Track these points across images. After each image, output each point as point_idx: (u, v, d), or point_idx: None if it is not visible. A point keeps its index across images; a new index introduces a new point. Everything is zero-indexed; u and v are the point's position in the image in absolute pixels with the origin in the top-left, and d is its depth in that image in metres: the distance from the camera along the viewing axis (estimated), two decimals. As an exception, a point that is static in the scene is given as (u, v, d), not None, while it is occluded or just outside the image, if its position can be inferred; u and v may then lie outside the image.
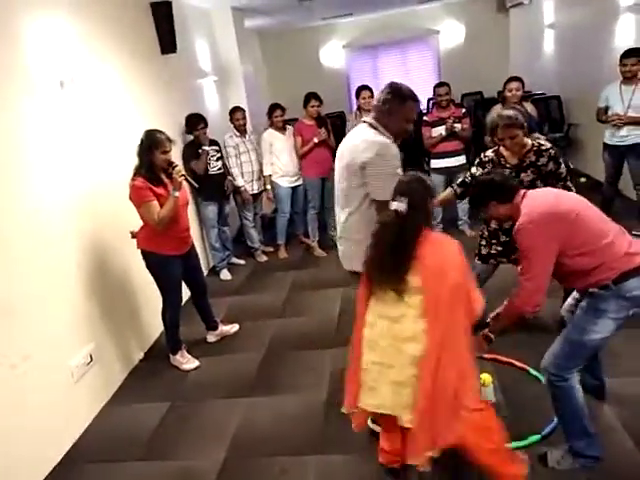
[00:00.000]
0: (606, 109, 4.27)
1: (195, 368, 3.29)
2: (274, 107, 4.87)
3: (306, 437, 2.53)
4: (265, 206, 5.35)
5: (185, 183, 3.02)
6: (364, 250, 2.07)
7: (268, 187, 4.96)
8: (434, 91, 4.83)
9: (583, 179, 6.07)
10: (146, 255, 3.10)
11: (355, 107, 4.95)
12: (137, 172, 2.91)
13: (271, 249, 5.31)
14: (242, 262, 5.03)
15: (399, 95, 2.28)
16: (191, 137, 4.47)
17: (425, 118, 4.75)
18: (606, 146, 4.40)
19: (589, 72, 5.86)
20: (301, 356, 3.27)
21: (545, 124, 5.97)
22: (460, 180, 2.95)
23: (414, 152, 5.12)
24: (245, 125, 4.89)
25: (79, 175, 3.03)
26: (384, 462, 2.17)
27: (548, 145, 2.81)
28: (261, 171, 4.94)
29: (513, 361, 2.79)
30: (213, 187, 4.50)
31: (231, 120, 4.85)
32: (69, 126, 2.99)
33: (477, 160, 2.95)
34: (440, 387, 1.75)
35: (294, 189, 4.99)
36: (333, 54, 8.83)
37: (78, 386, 2.80)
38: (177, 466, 2.46)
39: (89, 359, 2.91)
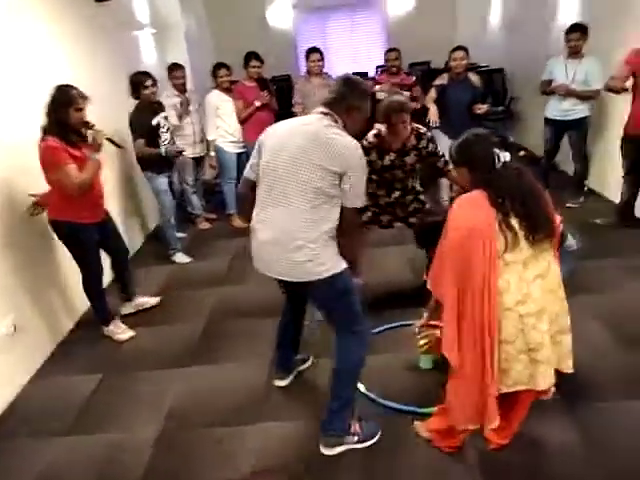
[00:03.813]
0: (550, 82, 4.35)
1: (130, 338, 3.15)
2: (219, 66, 4.58)
3: (246, 407, 2.49)
4: (208, 172, 5.13)
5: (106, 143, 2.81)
6: (324, 252, 1.95)
7: (212, 153, 4.70)
8: (385, 56, 4.75)
9: (522, 152, 6.25)
10: (58, 225, 2.85)
11: (305, 70, 4.79)
12: (48, 131, 2.63)
13: (213, 216, 5.13)
14: (184, 235, 4.69)
15: (361, 91, 2.04)
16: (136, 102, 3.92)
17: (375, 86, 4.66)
18: (547, 120, 4.51)
19: (534, 46, 5.96)
20: (244, 324, 3.20)
21: (488, 96, 6.05)
22: None
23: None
24: (185, 84, 4.62)
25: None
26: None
27: (424, 129, 3.02)
28: (203, 133, 4.71)
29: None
30: (163, 160, 4.01)
31: (170, 78, 4.56)
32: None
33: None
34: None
35: (239, 155, 4.77)
36: (281, 14, 8.50)
37: (1, 358, 2.61)
38: (109, 439, 2.36)
39: (12, 329, 2.71)
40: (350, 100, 2.02)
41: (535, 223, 1.75)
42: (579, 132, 4.36)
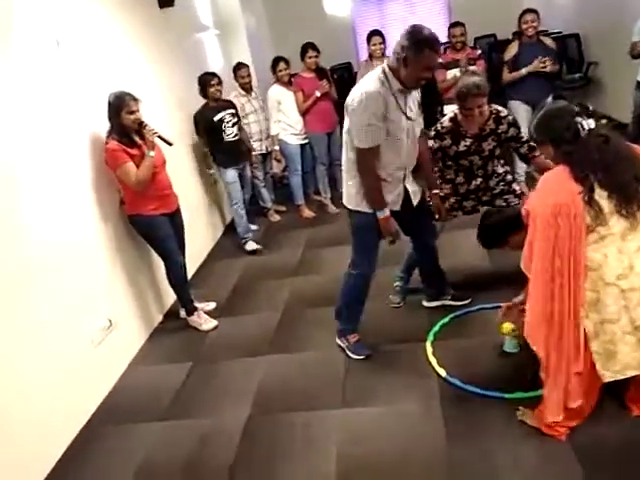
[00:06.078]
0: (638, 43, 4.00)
1: (214, 328, 3.28)
2: (277, 60, 4.63)
3: (328, 392, 2.52)
4: (275, 166, 5.22)
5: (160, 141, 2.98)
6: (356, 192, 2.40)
7: (276, 147, 4.77)
8: (448, 32, 4.59)
9: (604, 121, 5.81)
10: (133, 219, 3.06)
11: (366, 55, 4.73)
12: (109, 135, 2.86)
13: (283, 208, 5.22)
14: (255, 227, 4.82)
15: (416, 43, 2.11)
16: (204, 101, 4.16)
17: (439, 60, 4.53)
18: (639, 84, 4.16)
19: (611, 5, 5.52)
20: (319, 313, 3.23)
21: (562, 63, 5.69)
22: None
23: (429, 100, 4.91)
24: (250, 82, 4.70)
25: (82, 137, 2.93)
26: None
27: (505, 111, 2.82)
28: (269, 129, 4.79)
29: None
30: (230, 154, 4.23)
31: (235, 78, 4.67)
32: (67, 86, 2.87)
33: (434, 132, 2.83)
34: None
35: (303, 147, 4.81)
36: (338, 2, 8.44)
37: (98, 351, 2.81)
38: (201, 425, 2.48)
39: (108, 324, 2.90)
40: (404, 51, 2.13)
41: (627, 194, 1.62)
42: None
